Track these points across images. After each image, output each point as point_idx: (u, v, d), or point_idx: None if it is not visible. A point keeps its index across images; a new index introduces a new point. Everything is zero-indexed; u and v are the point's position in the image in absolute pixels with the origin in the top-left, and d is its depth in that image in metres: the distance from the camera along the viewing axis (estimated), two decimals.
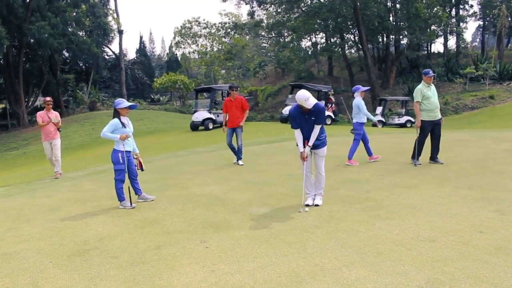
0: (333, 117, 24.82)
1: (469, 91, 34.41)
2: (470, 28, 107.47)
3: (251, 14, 52.73)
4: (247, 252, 4.27)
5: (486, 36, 52.18)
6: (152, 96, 53.72)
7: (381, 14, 36.88)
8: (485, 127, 20.61)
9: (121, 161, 6.45)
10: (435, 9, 33.60)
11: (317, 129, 5.87)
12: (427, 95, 8.56)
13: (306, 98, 5.63)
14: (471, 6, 46.80)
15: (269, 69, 62.91)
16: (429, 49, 52.62)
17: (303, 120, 5.87)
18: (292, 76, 55.84)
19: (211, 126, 21.01)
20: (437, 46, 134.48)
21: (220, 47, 39.47)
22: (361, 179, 7.60)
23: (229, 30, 48.44)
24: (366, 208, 5.65)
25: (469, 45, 54.40)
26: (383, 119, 28.10)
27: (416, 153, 8.72)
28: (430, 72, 8.70)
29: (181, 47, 51.92)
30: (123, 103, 6.60)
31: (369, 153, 9.55)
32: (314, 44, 48.34)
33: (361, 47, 38.05)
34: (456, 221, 4.89)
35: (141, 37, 71.25)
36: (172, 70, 50.57)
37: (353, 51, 50.84)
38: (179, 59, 62.00)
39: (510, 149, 10.02)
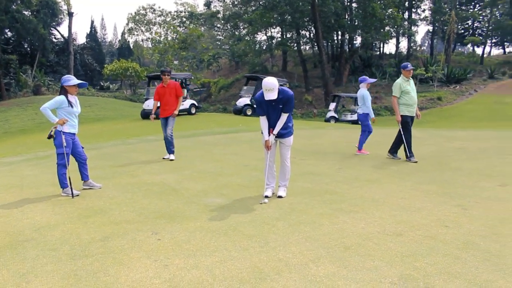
0: None
1: (419, 92, 35.40)
2: (420, 32, 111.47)
3: (208, 4, 51.90)
4: (203, 245, 3.88)
5: (435, 40, 54.28)
6: (102, 84, 51.59)
7: (338, 11, 37.28)
8: (435, 126, 21.23)
9: (64, 144, 5.84)
10: (390, 10, 34.33)
11: (284, 117, 5.54)
12: (407, 90, 8.29)
13: (271, 88, 5.25)
14: (423, 10, 48.38)
15: (223, 62, 62.36)
16: (381, 50, 54.06)
17: (270, 107, 5.52)
18: (245, 70, 55.63)
19: None
20: (389, 47, 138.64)
21: (174, 36, 38.37)
22: (319, 172, 7.38)
23: (184, 19, 47.39)
24: (328, 201, 5.41)
25: (418, 48, 56.34)
26: (336, 115, 28.41)
27: (407, 151, 8.43)
28: (409, 65, 8.42)
29: (134, 34, 50.19)
30: (72, 80, 5.96)
31: (360, 145, 9.47)
32: (270, 38, 48.25)
33: (316, 43, 38.34)
34: (421, 216, 4.74)
35: (92, 22, 68.15)
36: (123, 57, 48.71)
37: (307, 47, 51.36)
38: (132, 47, 60.04)
39: (462, 147, 10.20)
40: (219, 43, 63.76)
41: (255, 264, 3.44)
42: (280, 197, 5.60)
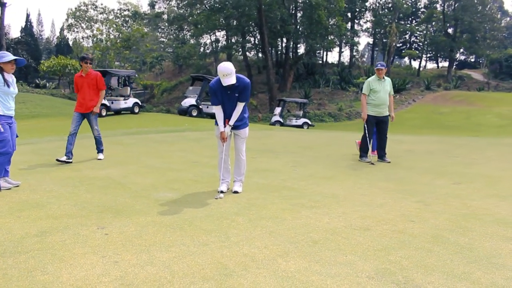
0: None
1: (359, 100, 36.57)
2: (360, 44, 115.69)
3: (152, 4, 50.71)
4: (157, 240, 3.45)
5: (376, 52, 56.45)
6: (38, 81, 48.60)
7: (284, 17, 37.64)
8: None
9: (2, 129, 5.12)
10: (335, 19, 35.16)
11: (240, 106, 5.19)
12: (375, 89, 8.08)
13: (228, 72, 4.88)
14: (366, 21, 50.15)
15: (166, 64, 61.18)
16: (324, 58, 55.34)
17: (225, 96, 5.14)
18: (189, 73, 54.88)
19: (104, 113, 19.21)
20: (333, 56, 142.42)
21: (117, 35, 36.96)
22: (273, 169, 7.12)
23: (128, 18, 45.92)
24: (287, 197, 5.13)
25: (360, 59, 58.34)
26: (281, 120, 28.51)
27: (362, 148, 8.28)
28: (379, 64, 8.27)
29: (73, 31, 47.83)
30: (7, 56, 5.23)
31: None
32: (216, 41, 47.92)
33: (262, 49, 38.48)
34: (384, 211, 4.58)
35: (28, 15, 64.22)
36: (62, 54, 46.29)
37: (252, 53, 51.50)
38: (71, 44, 57.24)
39: (411, 149, 10.39)
40: (162, 46, 62.43)
41: (217, 259, 3.07)
42: (236, 192, 5.24)
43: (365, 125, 8.27)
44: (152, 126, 14.79)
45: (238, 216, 4.21)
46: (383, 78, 8.18)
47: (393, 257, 3.23)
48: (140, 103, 21.49)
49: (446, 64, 60.21)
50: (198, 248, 3.28)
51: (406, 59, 64.30)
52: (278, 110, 28.98)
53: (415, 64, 61.29)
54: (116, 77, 22.05)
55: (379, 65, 8.24)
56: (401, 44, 60.46)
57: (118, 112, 20.47)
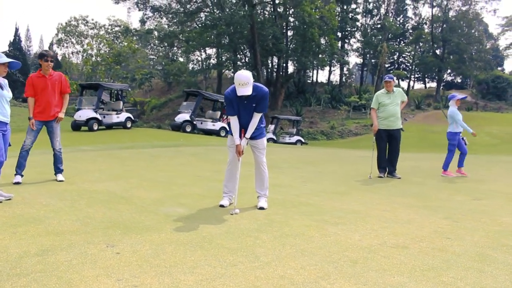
0: (228, 129, 24.02)
1: (353, 118, 36.64)
2: (350, 63, 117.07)
3: (143, 21, 50.52)
4: (178, 260, 3.04)
5: (365, 72, 56.92)
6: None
7: (276, 35, 37.74)
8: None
9: None
10: (328, 37, 35.35)
11: (256, 118, 4.82)
12: (384, 103, 7.86)
13: (245, 82, 4.51)
14: (357, 41, 50.65)
15: (155, 82, 60.91)
16: (313, 77, 55.59)
17: (242, 105, 4.76)
18: (178, 91, 54.68)
19: (96, 127, 18.68)
20: (323, 75, 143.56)
21: (108, 50, 36.60)
22: (283, 184, 6.76)
23: (119, 34, 45.68)
24: (306, 212, 4.77)
25: (349, 79, 58.77)
26: (274, 137, 28.22)
27: (378, 166, 8.01)
28: (387, 77, 8.05)
29: (63, 46, 47.40)
30: (1, 57, 4.84)
31: (460, 164, 8.63)
32: (207, 58, 47.85)
33: (254, 66, 38.41)
34: (415, 227, 4.24)
35: (16, 29, 63.16)
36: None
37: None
38: (60, 59, 56.66)
39: (416, 166, 10.14)
40: (152, 63, 62.18)
41: (252, 282, 2.68)
42: (262, 208, 4.84)
43: (375, 141, 7.99)
44: (147, 141, 14.36)
45: (260, 233, 3.83)
46: (393, 90, 7.93)
47: (445, 278, 2.88)
48: (132, 118, 21.03)
49: (433, 84, 60.98)
50: (226, 270, 2.89)
51: (395, 79, 64.99)
52: (271, 127, 28.71)
53: (403, 84, 61.88)
54: (108, 90, 21.63)
55: (387, 77, 8.03)
56: (389, 65, 61.10)
57: (110, 126, 19.96)
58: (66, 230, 3.77)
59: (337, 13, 39.90)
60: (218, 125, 23.43)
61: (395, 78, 8.20)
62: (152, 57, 63.18)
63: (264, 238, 3.69)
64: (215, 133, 23.03)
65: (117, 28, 46.58)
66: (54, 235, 3.60)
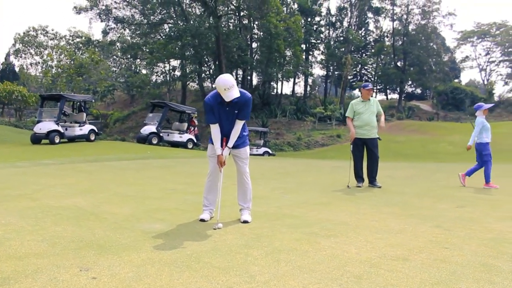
0: (195, 141, 23.57)
1: (318, 129, 36.89)
2: (314, 75, 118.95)
3: (106, 32, 49.49)
4: (165, 284, 2.69)
5: (329, 84, 57.75)
6: None
7: (242, 47, 37.71)
8: (341, 159, 21.62)
9: None
10: (293, 49, 35.60)
11: (239, 125, 4.51)
12: (359, 111, 7.73)
13: (229, 86, 4.20)
14: (321, 53, 51.35)
15: (117, 94, 59.66)
16: (279, 89, 55.87)
17: (223, 112, 4.45)
18: (141, 103, 53.69)
19: (57, 140, 17.77)
20: (288, 86, 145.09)
21: (69, 61, 35.41)
22: (262, 196, 6.47)
23: (80, 45, 44.45)
24: (293, 225, 4.49)
25: (313, 91, 59.41)
26: None
27: (354, 174, 7.82)
28: (369, 85, 7.90)
29: (21, 57, 45.59)
30: None
31: (469, 173, 8.42)
32: (172, 70, 47.26)
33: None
34: (409, 238, 4.04)
35: None
36: (7, 81, 43.72)
37: (208, 82, 51.12)
38: (17, 70, 54.50)
39: (389, 175, 10.08)
40: (114, 75, 60.89)
41: None
42: (245, 222, 4.53)
43: (352, 150, 7.86)
44: (112, 154, 13.76)
45: (250, 249, 3.52)
46: (368, 99, 7.82)
47: None
48: (96, 130, 20.22)
49: (394, 95, 62.59)
50: None
51: (357, 91, 66.30)
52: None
53: None
54: (71, 102, 20.76)
55: (369, 85, 7.88)
56: (352, 77, 62.31)
57: (72, 139, 19.08)
58: (30, 252, 3.33)
59: (302, 25, 40.32)
60: (185, 137, 22.92)
61: (370, 85, 8.06)
62: (114, 69, 61.92)
63: (255, 254, 3.38)
64: (182, 145, 22.50)
65: (78, 39, 45.27)
66: (17, 259, 3.16)
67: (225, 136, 4.55)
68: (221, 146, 4.53)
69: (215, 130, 4.52)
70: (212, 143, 4.62)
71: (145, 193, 6.46)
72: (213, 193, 4.73)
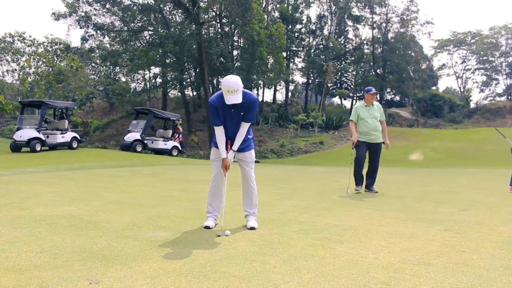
0: (180, 148, 23.24)
1: (301, 136, 36.93)
2: (294, 82, 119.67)
3: (85, 39, 48.75)
4: None
5: (310, 92, 58.06)
6: None
7: (224, 54, 37.58)
8: (324, 165, 21.64)
9: None
10: (276, 56, 35.66)
11: (244, 128, 4.37)
12: (363, 116, 7.55)
13: (234, 89, 4.04)
14: (302, 60, 51.59)
15: (96, 102, 58.78)
16: (260, 96, 55.88)
17: (228, 114, 4.30)
18: (121, 111, 53.00)
19: (38, 148, 17.21)
20: (269, 94, 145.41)
21: (48, 68, 34.63)
22: (261, 202, 6.17)
23: (59, 51, 43.60)
24: (301, 231, 4.36)
25: (297, 96, 59.67)
26: None
27: (354, 178, 7.63)
28: (373, 89, 7.73)
29: None
30: None
31: None
32: (154, 77, 46.81)
33: (202, 85, 37.89)
34: (422, 242, 3.95)
35: None
36: None
37: (189, 89, 50.80)
38: None
39: (383, 180, 10.03)
40: (93, 83, 59.98)
41: None
42: (252, 228, 4.37)
43: (354, 150, 7.70)
44: (97, 161, 13.41)
45: (265, 257, 3.37)
46: (372, 104, 7.72)
47: None
48: (79, 138, 19.71)
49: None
50: None
51: (337, 98, 66.79)
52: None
53: (346, 103, 63.76)
54: (52, 109, 20.20)
55: (373, 89, 7.75)
56: (332, 84, 62.82)
57: (54, 147, 18.54)
58: (30, 265, 3.10)
59: (284, 33, 40.50)
60: (170, 144, 22.57)
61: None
62: (92, 76, 61.01)
63: (272, 262, 3.23)
64: (167, 152, 22.15)
65: (56, 46, 44.41)
66: (17, 272, 2.93)
67: (230, 139, 4.41)
68: (226, 149, 4.38)
69: (219, 133, 4.36)
70: (216, 147, 4.46)
71: (140, 200, 6.24)
72: (217, 199, 4.57)
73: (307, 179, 10.51)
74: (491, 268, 3.16)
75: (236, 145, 4.39)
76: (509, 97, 57.83)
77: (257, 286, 2.68)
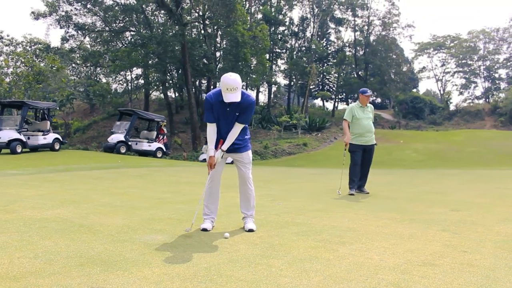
0: (165, 149, 23.00)
1: (284, 138, 36.97)
2: (277, 84, 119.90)
3: (66, 39, 47.96)
4: None
5: (292, 94, 58.22)
6: None
7: (207, 55, 37.40)
8: (308, 167, 21.71)
9: None
10: (260, 57, 35.64)
11: (237, 128, 4.26)
12: (357, 116, 7.49)
13: (233, 88, 3.95)
14: (285, 61, 51.72)
15: (76, 104, 57.87)
16: None
17: (222, 112, 4.20)
18: (102, 113, 52.32)
19: (19, 150, 16.76)
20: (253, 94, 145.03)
21: (28, 68, 33.85)
22: (255, 203, 6.22)
23: (38, 51, 42.75)
24: (301, 232, 4.30)
25: (280, 97, 59.80)
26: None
27: (349, 181, 7.58)
28: (368, 91, 7.70)
29: None
30: None
31: None
32: (136, 78, 46.31)
33: (186, 86, 37.62)
34: (423, 242, 3.94)
35: None
36: None
37: (171, 92, 50.40)
38: None
39: (369, 180, 10.07)
40: (73, 84, 58.99)
41: None
42: (251, 230, 4.30)
43: (347, 151, 7.68)
44: (82, 163, 13.14)
45: (269, 259, 3.30)
46: (366, 105, 7.71)
47: None
48: (61, 139, 19.31)
49: None
50: None
51: (319, 100, 67.19)
52: (206, 147, 28.04)
53: (328, 105, 64.16)
54: (33, 109, 19.75)
55: (368, 91, 7.74)
56: (313, 86, 63.14)
57: (35, 149, 18.11)
58: (25, 271, 2.95)
59: (268, 34, 40.52)
60: (154, 146, 22.31)
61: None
62: (73, 77, 60.02)
63: (277, 265, 3.16)
64: (152, 154, 21.89)
65: (35, 46, 43.51)
66: (11, 280, 2.78)
67: (222, 138, 4.32)
68: (216, 147, 4.30)
69: (211, 130, 4.28)
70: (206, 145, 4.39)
71: (131, 202, 6.10)
72: (214, 200, 4.50)
73: (296, 180, 10.49)
74: (496, 268, 3.16)
75: (226, 145, 4.30)
76: (487, 100, 59.07)
77: None
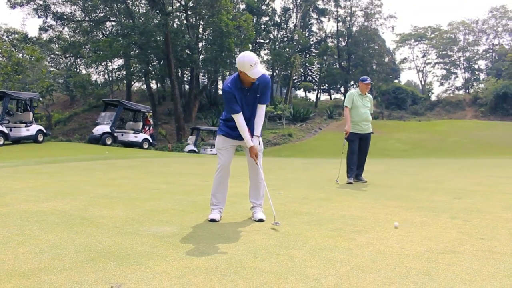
0: (151, 141, 22.67)
1: (269, 128, 36.94)
2: None
3: (44, 29, 46.74)
4: None
5: (275, 85, 58.06)
6: None
7: (191, 45, 36.96)
8: (295, 157, 21.70)
9: None
10: (244, 47, 35.41)
11: (262, 110, 4.14)
12: (356, 104, 7.43)
13: (255, 62, 3.81)
14: (267, 53, 51.51)
15: (56, 95, 56.66)
16: None
17: (244, 99, 4.04)
18: (83, 104, 51.42)
19: (1, 142, 16.27)
20: None
21: (5, 59, 32.80)
22: None
23: (16, 41, 41.61)
24: (312, 222, 4.22)
25: None
26: (195, 149, 27.34)
27: (347, 169, 7.52)
28: (368, 79, 7.60)
29: None
30: None
31: None
32: (118, 69, 45.48)
33: (169, 77, 37.16)
34: (437, 230, 3.89)
35: None
36: None
37: (154, 83, 49.80)
38: None
39: (365, 170, 10.08)
40: (52, 76, 57.67)
41: None
42: (261, 220, 4.20)
43: (347, 142, 7.63)
44: (68, 155, 12.82)
45: (290, 250, 3.19)
46: (366, 94, 7.65)
47: None
48: (44, 131, 18.82)
49: (338, 95, 64.19)
50: None
51: (301, 91, 67.25)
52: (192, 138, 27.79)
53: (310, 95, 64.32)
54: (15, 100, 19.17)
55: (368, 79, 7.65)
56: (296, 77, 63.15)
57: (17, 141, 17.61)
58: (34, 267, 2.77)
59: (253, 24, 40.22)
60: (140, 137, 21.97)
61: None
62: (52, 69, 58.62)
63: (298, 255, 3.06)
64: (138, 145, 21.56)
65: (13, 36, 42.36)
66: (21, 277, 2.60)
67: (247, 124, 4.16)
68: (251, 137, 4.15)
69: (240, 120, 4.04)
70: (223, 134, 4.26)
71: (129, 194, 5.92)
72: (223, 190, 4.36)
73: (291, 170, 10.42)
74: None
75: (258, 130, 4.18)
76: (467, 91, 60.05)
77: (296, 282, 2.50)
